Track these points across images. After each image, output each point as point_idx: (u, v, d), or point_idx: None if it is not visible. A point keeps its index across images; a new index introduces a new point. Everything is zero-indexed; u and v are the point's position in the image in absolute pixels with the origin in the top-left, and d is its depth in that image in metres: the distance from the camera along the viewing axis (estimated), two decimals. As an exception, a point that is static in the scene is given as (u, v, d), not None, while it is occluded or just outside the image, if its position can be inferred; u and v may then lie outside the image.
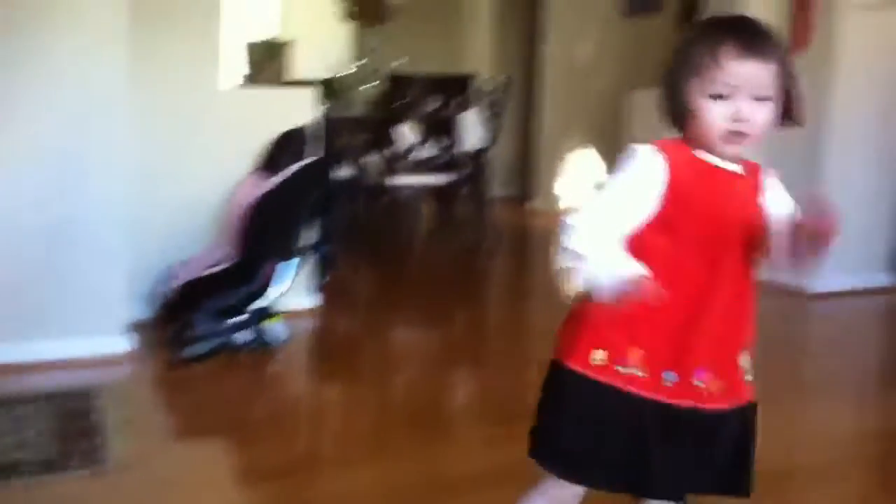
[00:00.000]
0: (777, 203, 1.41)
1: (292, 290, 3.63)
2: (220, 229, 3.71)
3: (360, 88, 6.24)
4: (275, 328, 3.43)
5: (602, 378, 1.36)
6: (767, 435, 2.67)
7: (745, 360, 1.40)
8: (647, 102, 4.76)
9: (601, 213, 1.35)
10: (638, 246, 1.34)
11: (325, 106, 5.88)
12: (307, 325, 3.83)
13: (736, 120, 1.31)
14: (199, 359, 3.21)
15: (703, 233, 1.35)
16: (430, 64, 7.40)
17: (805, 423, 2.88)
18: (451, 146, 5.24)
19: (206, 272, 3.48)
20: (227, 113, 3.79)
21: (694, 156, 1.36)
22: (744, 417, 1.41)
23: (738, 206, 1.36)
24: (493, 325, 4.20)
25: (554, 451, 1.45)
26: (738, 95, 1.31)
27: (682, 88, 1.34)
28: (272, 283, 3.43)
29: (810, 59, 4.37)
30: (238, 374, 3.25)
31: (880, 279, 4.58)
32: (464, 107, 5.29)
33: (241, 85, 4.20)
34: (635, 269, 1.28)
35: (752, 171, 1.41)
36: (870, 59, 4.36)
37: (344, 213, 6.07)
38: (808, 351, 3.77)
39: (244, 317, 3.35)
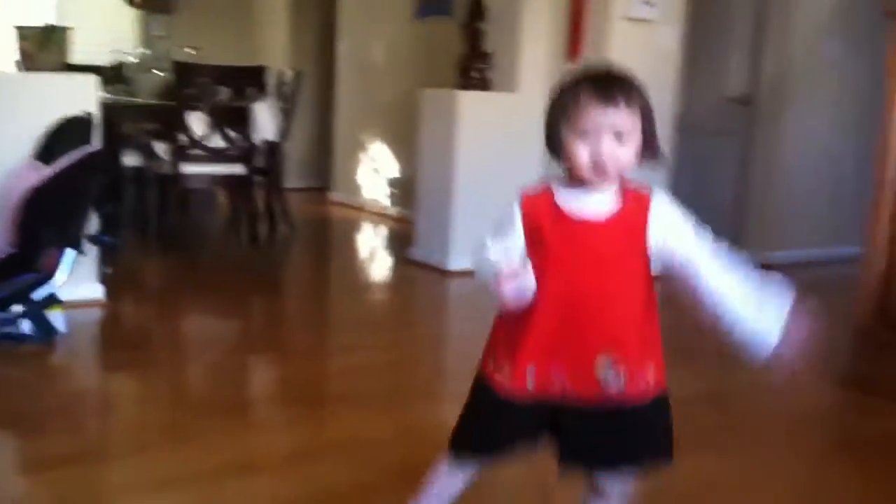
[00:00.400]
0: (668, 233, 1.56)
1: (77, 281, 3.53)
2: (-4, 217, 3.54)
3: (146, 76, 6.09)
4: (57, 318, 3.33)
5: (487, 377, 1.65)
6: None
7: (601, 360, 1.56)
8: (436, 101, 4.98)
9: (493, 240, 1.62)
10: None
11: (109, 93, 5.70)
12: (93, 315, 3.73)
13: (597, 157, 1.50)
14: (-23, 350, 3.07)
15: (556, 271, 1.55)
16: (224, 55, 7.30)
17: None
18: (244, 137, 5.21)
19: (-18, 261, 3.33)
20: (2, 99, 3.63)
21: (554, 204, 1.57)
22: (589, 414, 1.59)
23: (591, 251, 1.54)
24: (292, 314, 4.24)
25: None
26: (599, 135, 1.50)
27: (555, 128, 1.54)
28: (53, 273, 3.32)
29: (585, 63, 4.75)
30: (20, 364, 3.13)
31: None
32: (256, 98, 5.28)
33: (17, 70, 4.01)
34: (501, 263, 1.52)
35: (632, 204, 1.56)
36: (635, 65, 4.75)
37: (130, 202, 5.91)
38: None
39: (25, 307, 3.23)
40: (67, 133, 3.61)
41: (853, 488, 2.41)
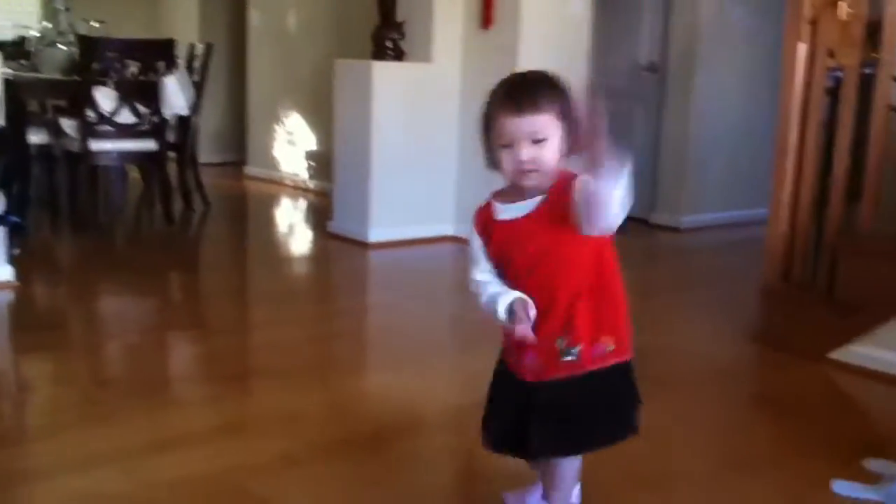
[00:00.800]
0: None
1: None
2: None
3: (49, 51, 5.89)
4: (-33, 301, 3.24)
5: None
6: (462, 376, 2.94)
7: (559, 342, 1.69)
8: (350, 72, 4.95)
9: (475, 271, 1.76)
10: None
11: (11, 69, 5.51)
12: (2, 297, 3.63)
13: (518, 164, 1.63)
14: None
15: (504, 269, 1.72)
16: (130, 28, 7.12)
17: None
18: (154, 112, 5.10)
19: None
20: None
21: (490, 214, 1.74)
22: (557, 388, 1.71)
23: (521, 245, 1.68)
24: (210, 290, 4.19)
25: None
26: (518, 144, 1.62)
27: (485, 142, 1.70)
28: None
29: (497, 35, 4.78)
30: (-72, 350, 3.05)
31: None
32: (166, 72, 5.17)
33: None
34: (512, 296, 1.66)
35: (557, 193, 1.64)
36: (547, 33, 4.81)
37: (38, 180, 5.74)
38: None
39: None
40: (-32, 110, 3.49)
41: (765, 436, 2.52)
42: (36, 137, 5.29)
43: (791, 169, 3.22)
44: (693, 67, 5.58)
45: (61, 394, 2.71)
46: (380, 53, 4.90)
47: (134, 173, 6.24)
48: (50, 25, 6.59)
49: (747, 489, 2.16)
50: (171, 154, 5.47)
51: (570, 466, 1.84)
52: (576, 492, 1.95)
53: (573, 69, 4.92)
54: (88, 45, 4.98)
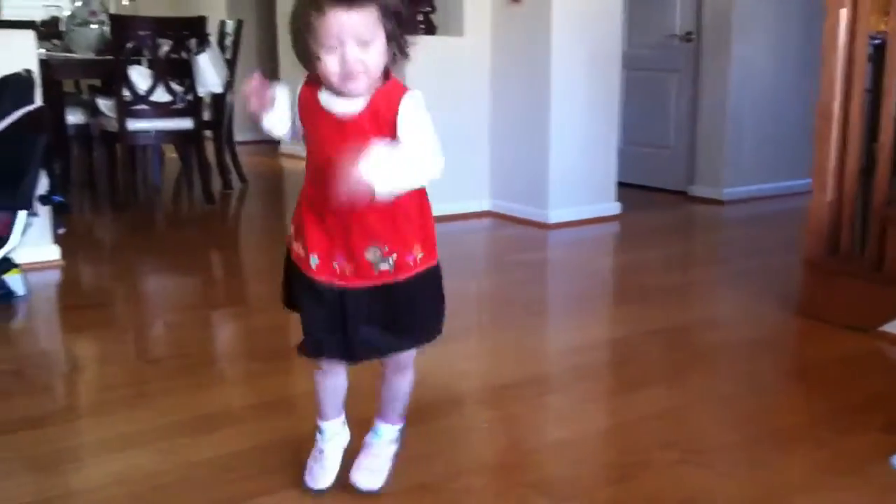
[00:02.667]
0: (406, 123, 1.62)
1: (31, 242, 3.48)
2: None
3: (82, 30, 5.92)
4: (15, 281, 3.29)
5: (294, 259, 1.80)
6: (501, 353, 2.97)
7: (371, 255, 1.70)
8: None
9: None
10: None
11: (47, 49, 5.55)
12: (50, 276, 3.69)
13: (344, 65, 1.54)
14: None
15: (313, 158, 1.69)
16: (160, 6, 7.13)
17: (538, 339, 3.21)
18: (188, 90, 5.12)
19: (-69, 227, 3.26)
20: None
21: (316, 96, 1.65)
22: (366, 295, 1.74)
23: (337, 142, 1.61)
24: (250, 267, 4.24)
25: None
26: (344, 45, 1.53)
27: (303, 44, 1.58)
28: (7, 236, 3.27)
29: (528, 6, 4.73)
30: (-22, 330, 3.11)
31: (608, 208, 5.07)
32: (198, 50, 5.17)
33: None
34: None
35: (383, 102, 1.61)
36: (581, 4, 4.76)
37: (78, 160, 5.80)
38: (545, 275, 4.13)
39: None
40: (9, 92, 3.51)
41: (802, 410, 2.50)
42: (73, 117, 5.34)
43: (835, 136, 3.16)
44: (729, 35, 5.49)
45: (108, 372, 2.75)
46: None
47: (171, 153, 6.28)
48: (81, 4, 6.62)
49: (789, 462, 2.15)
50: (208, 133, 5.50)
51: (409, 376, 1.91)
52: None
53: (606, 41, 4.87)
54: (121, 24, 5.00)
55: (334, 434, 1.94)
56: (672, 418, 2.39)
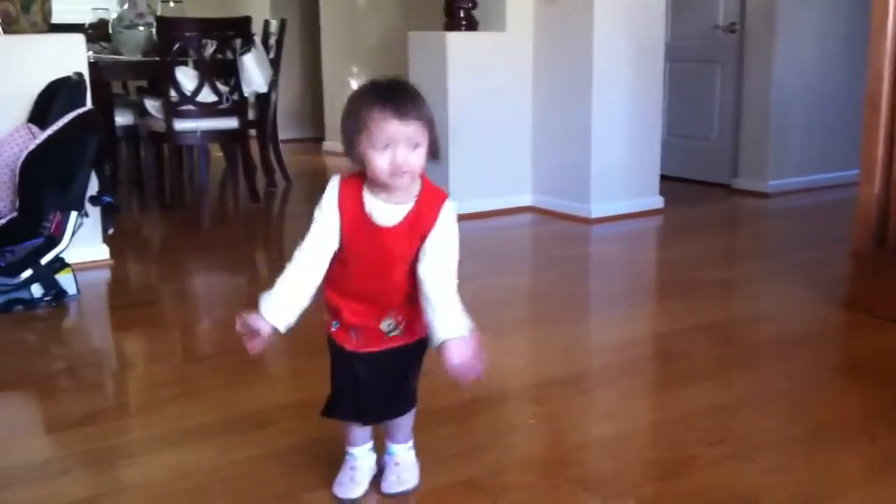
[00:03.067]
0: (435, 240, 1.77)
1: (81, 242, 3.56)
2: (-6, 183, 3.55)
3: (130, 32, 6.01)
4: (66, 280, 3.36)
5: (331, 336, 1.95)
6: (546, 349, 2.97)
7: (385, 325, 1.84)
8: (424, 43, 4.95)
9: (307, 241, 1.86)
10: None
11: (93, 51, 5.65)
12: (100, 276, 3.76)
13: (395, 165, 1.69)
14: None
15: (346, 255, 1.81)
16: (206, 7, 7.22)
17: (583, 334, 3.20)
18: (233, 90, 5.18)
19: (-13, 228, 3.34)
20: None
21: (360, 198, 1.78)
22: (375, 360, 1.87)
23: (379, 248, 1.77)
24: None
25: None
26: (395, 146, 1.69)
27: (354, 140, 1.72)
28: (60, 237, 3.34)
29: (569, 4, 4.71)
30: (34, 328, 3.18)
31: (651, 202, 5.04)
32: (243, 50, 5.23)
33: (3, 32, 3.97)
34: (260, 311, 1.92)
35: (423, 211, 1.77)
36: (623, 1, 4.73)
37: (126, 161, 5.90)
38: (588, 270, 4.12)
39: (34, 270, 3.25)
40: (60, 95, 3.59)
41: (852, 405, 2.47)
42: (121, 118, 5.43)
43: (884, 127, 3.11)
44: (773, 25, 5.42)
45: (157, 370, 2.80)
46: (453, 24, 4.88)
47: (216, 152, 6.35)
48: (128, 7, 6.73)
49: (841, 458, 2.12)
50: (252, 131, 5.56)
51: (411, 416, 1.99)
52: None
53: (649, 33, 4.84)
54: (167, 26, 5.07)
55: (363, 457, 2.01)
56: (720, 414, 2.38)
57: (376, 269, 1.80)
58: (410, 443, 2.02)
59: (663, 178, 5.14)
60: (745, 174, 5.68)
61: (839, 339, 3.08)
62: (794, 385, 2.59)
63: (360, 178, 1.78)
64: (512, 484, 1.99)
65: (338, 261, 1.83)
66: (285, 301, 1.88)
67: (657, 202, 5.04)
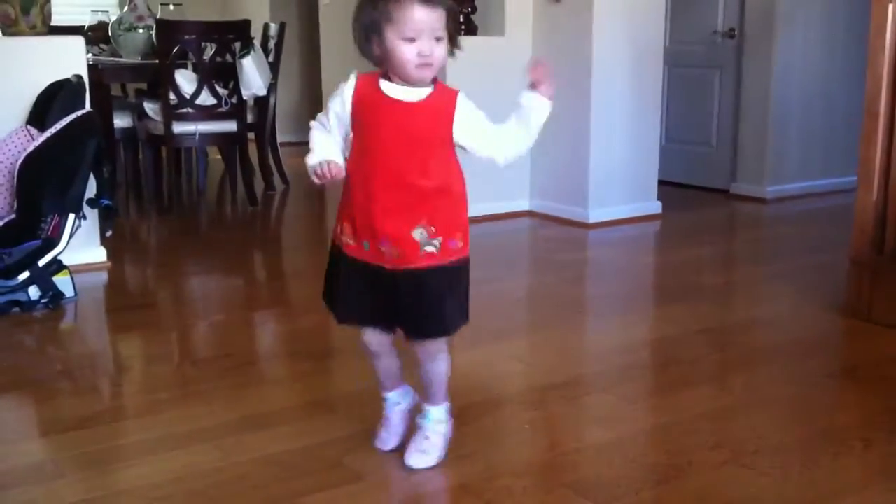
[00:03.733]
0: (465, 119, 1.86)
1: (79, 245, 3.56)
2: (-7, 185, 3.55)
3: (129, 35, 6.01)
4: (64, 283, 3.35)
5: (336, 243, 1.96)
6: (544, 353, 2.97)
7: (419, 234, 1.85)
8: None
9: (324, 118, 1.92)
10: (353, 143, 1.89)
11: (95, 53, 5.65)
12: (98, 278, 3.76)
13: (422, 56, 1.76)
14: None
15: (368, 144, 1.85)
16: (206, 10, 7.23)
17: (581, 339, 3.20)
18: (232, 93, 5.18)
19: (-16, 229, 3.34)
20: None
21: (377, 87, 1.84)
22: (417, 277, 1.87)
23: (402, 125, 1.82)
24: (293, 268, 4.27)
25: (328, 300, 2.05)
26: (422, 37, 1.75)
27: (373, 34, 1.79)
28: (58, 239, 3.34)
29: (569, 5, 4.72)
30: (31, 330, 3.18)
31: (649, 207, 5.03)
32: (242, 53, 5.23)
33: (2, 34, 3.97)
34: (320, 158, 1.85)
35: (442, 97, 1.84)
36: (621, 4, 4.73)
37: (124, 163, 5.89)
38: (586, 274, 4.12)
39: (31, 272, 3.25)
40: (59, 97, 3.59)
41: (850, 411, 2.47)
42: (120, 121, 5.43)
43: (882, 134, 3.11)
44: (772, 31, 5.42)
45: (155, 372, 2.79)
46: (453, 28, 4.88)
47: (213, 154, 6.36)
48: (128, 9, 6.73)
49: (839, 464, 2.12)
50: (250, 134, 5.55)
51: (443, 360, 2.01)
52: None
53: (648, 37, 4.85)
54: (166, 29, 5.07)
55: (397, 402, 2.12)
56: (719, 419, 2.38)
57: (400, 149, 1.82)
58: (446, 404, 2.07)
59: (661, 183, 5.15)
60: (743, 179, 5.68)
61: (837, 345, 3.08)
62: (792, 390, 2.59)
63: (374, 74, 1.86)
64: (507, 489, 1.99)
65: (355, 157, 1.87)
66: (328, 145, 1.91)
67: (655, 207, 5.04)
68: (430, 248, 1.86)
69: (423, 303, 1.89)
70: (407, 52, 1.76)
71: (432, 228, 1.85)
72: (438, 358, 2.02)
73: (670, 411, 2.44)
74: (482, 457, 2.13)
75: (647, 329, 3.25)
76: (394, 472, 2.07)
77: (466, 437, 2.20)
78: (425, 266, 1.87)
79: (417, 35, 1.75)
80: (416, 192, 1.83)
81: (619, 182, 4.86)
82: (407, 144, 1.82)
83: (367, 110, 1.85)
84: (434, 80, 1.85)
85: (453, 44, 1.82)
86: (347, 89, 1.87)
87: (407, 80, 1.81)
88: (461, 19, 1.84)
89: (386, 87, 1.84)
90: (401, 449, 2.11)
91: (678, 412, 2.42)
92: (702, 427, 2.32)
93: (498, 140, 1.91)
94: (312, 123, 1.94)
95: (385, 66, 1.82)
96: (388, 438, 2.12)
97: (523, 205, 5.08)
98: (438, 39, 1.77)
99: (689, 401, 2.50)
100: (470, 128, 1.87)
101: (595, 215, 4.79)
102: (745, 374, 2.73)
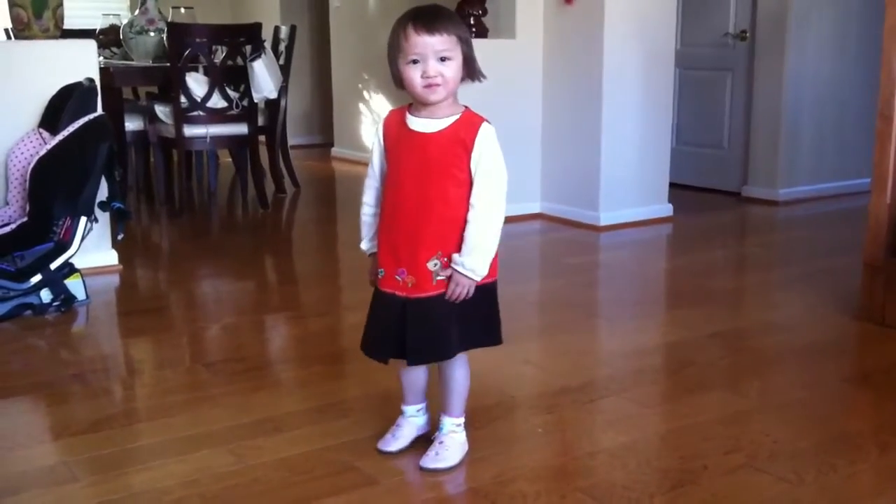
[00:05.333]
0: (480, 152, 1.90)
1: (91, 248, 3.57)
2: (5, 189, 3.56)
3: (140, 38, 6.03)
4: (76, 286, 3.36)
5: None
6: (557, 357, 2.96)
7: (433, 265, 1.93)
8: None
9: (371, 167, 2.07)
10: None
11: (106, 56, 5.66)
12: (109, 281, 3.77)
13: (426, 76, 1.85)
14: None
15: (392, 177, 1.97)
16: (217, 13, 7.25)
17: (594, 343, 3.19)
18: (243, 96, 5.19)
19: (-3, 233, 3.35)
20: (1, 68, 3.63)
21: (403, 119, 1.95)
22: (425, 305, 1.95)
23: (417, 156, 1.91)
24: (303, 272, 4.27)
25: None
26: (426, 60, 1.85)
27: (394, 61, 1.90)
28: (69, 242, 3.35)
29: (580, 8, 4.71)
30: (42, 333, 3.18)
31: (660, 210, 5.02)
32: (253, 56, 5.24)
33: (7, 38, 3.98)
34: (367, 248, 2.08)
35: (464, 126, 1.90)
36: (633, 5, 4.72)
37: (135, 166, 5.90)
38: (598, 278, 4.10)
39: (44, 276, 3.26)
40: (71, 100, 3.60)
41: (864, 415, 2.46)
42: (131, 124, 5.44)
43: (895, 136, 3.10)
44: (784, 33, 5.41)
45: (167, 376, 2.79)
46: (464, 31, 4.87)
47: (224, 157, 6.37)
48: (139, 13, 6.75)
49: (855, 468, 2.11)
50: (261, 137, 5.56)
51: (461, 374, 2.08)
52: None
53: (660, 40, 4.83)
54: (178, 32, 5.08)
55: (412, 416, 2.17)
56: (733, 423, 2.36)
57: (419, 179, 1.91)
58: (459, 420, 2.12)
59: (673, 185, 5.14)
60: (755, 182, 5.66)
61: (851, 350, 3.06)
62: (807, 395, 2.57)
63: (405, 108, 1.97)
64: (520, 493, 1.98)
65: (386, 187, 1.99)
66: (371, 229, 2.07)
67: (666, 210, 5.02)
68: (441, 277, 1.94)
69: (426, 328, 1.96)
70: (412, 74, 1.86)
71: (445, 259, 1.93)
72: (457, 365, 2.07)
73: (684, 415, 2.43)
74: (495, 461, 2.12)
75: (659, 333, 3.24)
76: (408, 476, 2.06)
77: (479, 441, 2.19)
78: (435, 293, 1.95)
79: (421, 58, 1.85)
80: (434, 222, 1.92)
81: (630, 184, 4.85)
82: (425, 175, 1.91)
83: (394, 144, 1.96)
84: (464, 109, 1.94)
85: (473, 71, 1.93)
86: (380, 128, 2.01)
87: (421, 103, 1.91)
88: (469, 49, 1.94)
89: (410, 119, 1.95)
90: (409, 454, 2.12)
91: (692, 416, 2.41)
92: (716, 431, 2.30)
93: (475, 216, 1.92)
94: (363, 200, 2.08)
95: (409, 93, 1.92)
96: (393, 441, 2.15)
97: (534, 207, 5.08)
98: (444, 60, 1.85)
99: (702, 405, 2.49)
100: (479, 163, 1.91)
101: (606, 218, 4.78)
102: (759, 378, 2.71)
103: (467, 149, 1.89)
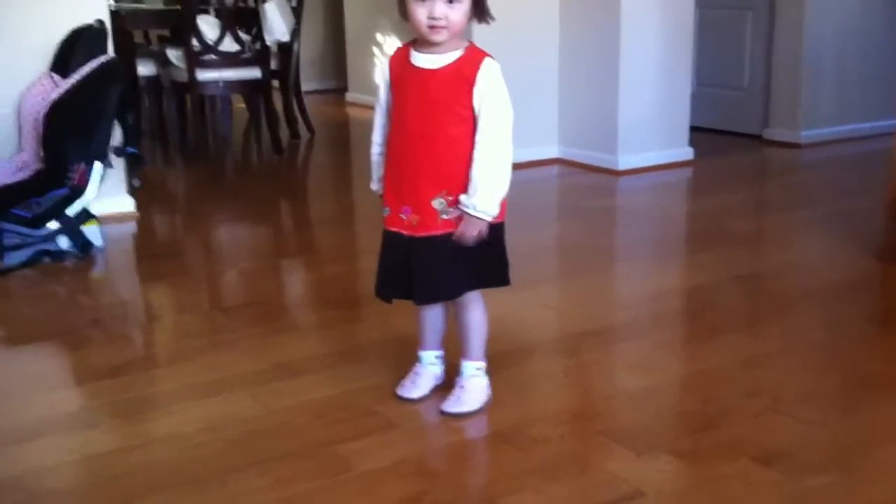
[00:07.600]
0: (484, 88, 1.86)
1: (107, 194, 3.55)
2: (18, 135, 3.54)
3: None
4: (93, 232, 3.35)
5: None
6: (577, 301, 2.94)
7: (438, 204, 1.90)
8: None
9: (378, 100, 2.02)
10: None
11: (118, 1, 5.59)
12: (126, 228, 3.76)
13: (432, 17, 1.80)
14: (17, 268, 3.11)
15: (396, 112, 1.93)
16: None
17: (613, 286, 3.17)
18: (255, 39, 5.12)
19: (12, 179, 3.34)
20: (9, 12, 3.58)
21: (408, 55, 1.91)
22: (430, 243, 1.91)
23: (420, 93, 1.88)
24: (319, 217, 4.25)
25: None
26: (434, 0, 1.79)
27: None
28: (84, 187, 3.33)
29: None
30: (61, 280, 3.18)
31: (680, 153, 4.95)
32: (264, -1, 5.16)
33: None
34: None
35: (466, 63, 1.86)
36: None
37: (149, 112, 5.87)
38: (617, 222, 4.06)
39: (60, 223, 3.25)
40: (82, 43, 3.56)
41: (888, 356, 2.42)
42: (143, 69, 5.39)
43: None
44: (808, -30, 5.27)
45: (185, 321, 2.79)
46: (479, -30, 4.77)
47: (238, 102, 6.32)
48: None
49: (878, 410, 2.08)
50: (275, 82, 5.50)
51: (478, 317, 2.05)
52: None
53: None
54: (189, -26, 4.99)
55: (430, 364, 2.14)
56: (755, 366, 2.34)
57: (422, 116, 1.88)
58: (480, 363, 2.09)
59: (693, 128, 5.05)
60: (776, 124, 5.57)
61: (873, 290, 3.02)
62: (829, 336, 2.55)
63: (410, 43, 1.92)
64: (543, 436, 1.97)
65: (392, 125, 1.96)
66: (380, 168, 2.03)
67: (687, 153, 4.95)
68: (448, 216, 1.90)
69: (430, 267, 1.94)
70: (418, 14, 1.82)
71: (451, 198, 1.89)
72: (471, 308, 2.04)
73: (705, 359, 2.41)
74: (516, 405, 2.12)
75: (679, 276, 3.21)
76: (428, 419, 2.06)
77: (500, 385, 2.18)
78: (441, 233, 1.91)
79: None
80: (437, 160, 1.88)
81: (649, 128, 4.78)
82: (428, 111, 1.88)
83: (399, 80, 1.93)
84: (468, 44, 1.88)
85: (482, 12, 1.88)
86: (386, 64, 1.97)
87: (425, 42, 1.86)
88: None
89: (414, 55, 1.90)
90: (430, 399, 2.11)
91: (713, 359, 2.39)
92: (738, 374, 2.29)
93: (480, 155, 1.89)
94: (373, 140, 2.04)
95: (412, 27, 1.87)
96: (413, 389, 2.13)
97: (552, 152, 5.01)
98: (452, 1, 1.81)
99: (724, 348, 2.46)
100: (482, 99, 1.86)
101: (625, 162, 4.71)
102: (781, 320, 2.69)
103: (470, 84, 1.85)
